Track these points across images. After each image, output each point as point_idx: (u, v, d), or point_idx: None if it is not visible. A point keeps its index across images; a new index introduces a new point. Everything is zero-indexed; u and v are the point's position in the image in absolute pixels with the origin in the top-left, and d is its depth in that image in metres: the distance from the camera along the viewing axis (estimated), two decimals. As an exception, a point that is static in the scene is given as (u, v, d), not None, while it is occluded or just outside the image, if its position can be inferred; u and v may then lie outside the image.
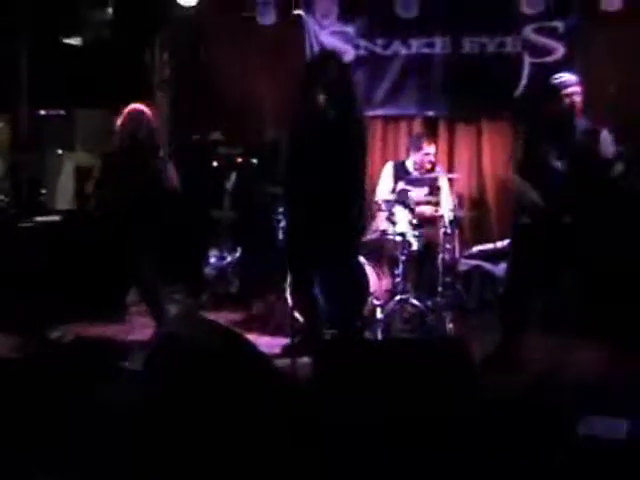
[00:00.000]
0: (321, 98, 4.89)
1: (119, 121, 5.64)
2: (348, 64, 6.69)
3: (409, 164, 6.71)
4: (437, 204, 6.47)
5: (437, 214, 6.37)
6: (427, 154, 6.65)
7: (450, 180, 6.70)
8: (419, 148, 6.66)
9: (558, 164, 4.89)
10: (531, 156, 4.98)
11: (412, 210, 6.12)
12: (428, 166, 6.66)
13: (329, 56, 5.48)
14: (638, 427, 3.26)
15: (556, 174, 4.87)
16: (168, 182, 5.64)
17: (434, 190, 6.53)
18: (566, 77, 5.02)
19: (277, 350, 5.36)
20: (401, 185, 6.41)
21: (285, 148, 5.32)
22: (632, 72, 6.73)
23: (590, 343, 5.36)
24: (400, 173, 6.62)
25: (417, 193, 6.38)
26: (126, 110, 5.65)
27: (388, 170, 6.74)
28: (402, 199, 6.18)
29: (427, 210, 6.44)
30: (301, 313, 5.63)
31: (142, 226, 5.51)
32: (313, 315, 5.21)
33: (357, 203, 5.04)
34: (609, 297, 5.55)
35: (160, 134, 5.80)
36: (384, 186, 6.66)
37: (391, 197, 6.32)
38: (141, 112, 5.66)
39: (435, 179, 6.52)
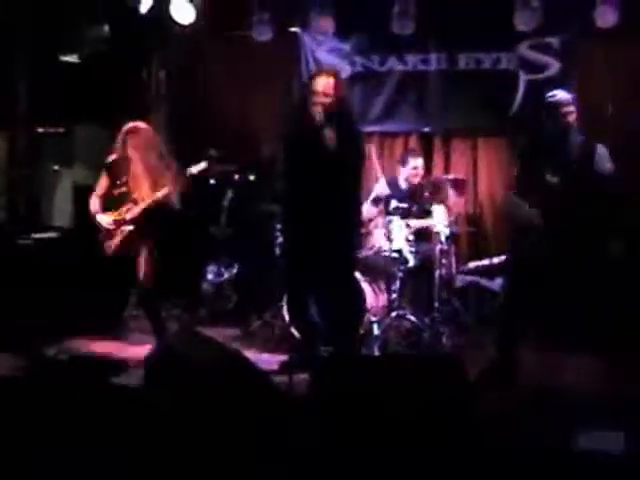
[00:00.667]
0: (318, 115, 4.91)
1: (119, 138, 5.61)
2: (344, 80, 6.72)
3: (400, 180, 6.73)
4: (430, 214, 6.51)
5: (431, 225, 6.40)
6: (414, 168, 6.66)
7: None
8: (405, 163, 6.69)
9: (554, 180, 4.89)
10: (527, 173, 4.99)
11: (408, 225, 6.14)
12: (416, 180, 6.67)
13: (326, 72, 5.49)
14: (636, 441, 3.25)
15: (553, 191, 4.87)
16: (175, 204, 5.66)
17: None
18: (560, 94, 5.03)
19: (275, 366, 5.35)
20: (394, 203, 6.43)
21: (282, 165, 5.33)
22: (627, 88, 6.77)
23: (587, 357, 5.36)
24: (393, 190, 6.64)
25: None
26: (125, 128, 5.62)
27: (379, 187, 6.76)
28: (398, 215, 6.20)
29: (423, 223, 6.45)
30: (298, 329, 5.63)
31: (146, 243, 5.53)
32: (310, 331, 5.21)
33: (355, 219, 5.06)
34: (607, 311, 5.54)
35: (165, 153, 5.77)
36: (369, 202, 6.68)
37: (376, 212, 6.36)
38: (141, 129, 5.65)
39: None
